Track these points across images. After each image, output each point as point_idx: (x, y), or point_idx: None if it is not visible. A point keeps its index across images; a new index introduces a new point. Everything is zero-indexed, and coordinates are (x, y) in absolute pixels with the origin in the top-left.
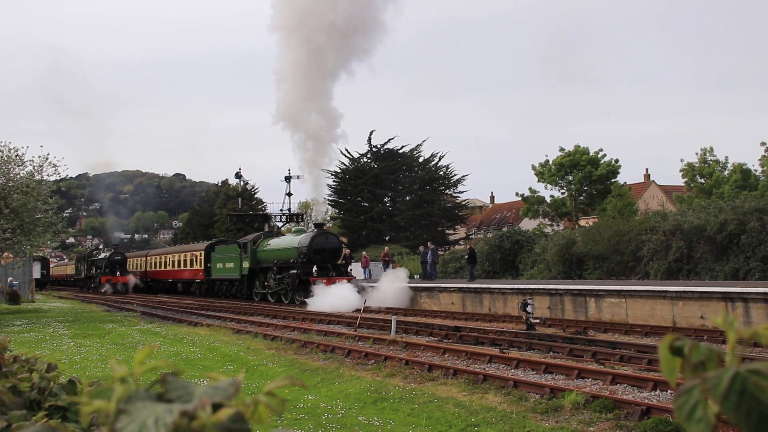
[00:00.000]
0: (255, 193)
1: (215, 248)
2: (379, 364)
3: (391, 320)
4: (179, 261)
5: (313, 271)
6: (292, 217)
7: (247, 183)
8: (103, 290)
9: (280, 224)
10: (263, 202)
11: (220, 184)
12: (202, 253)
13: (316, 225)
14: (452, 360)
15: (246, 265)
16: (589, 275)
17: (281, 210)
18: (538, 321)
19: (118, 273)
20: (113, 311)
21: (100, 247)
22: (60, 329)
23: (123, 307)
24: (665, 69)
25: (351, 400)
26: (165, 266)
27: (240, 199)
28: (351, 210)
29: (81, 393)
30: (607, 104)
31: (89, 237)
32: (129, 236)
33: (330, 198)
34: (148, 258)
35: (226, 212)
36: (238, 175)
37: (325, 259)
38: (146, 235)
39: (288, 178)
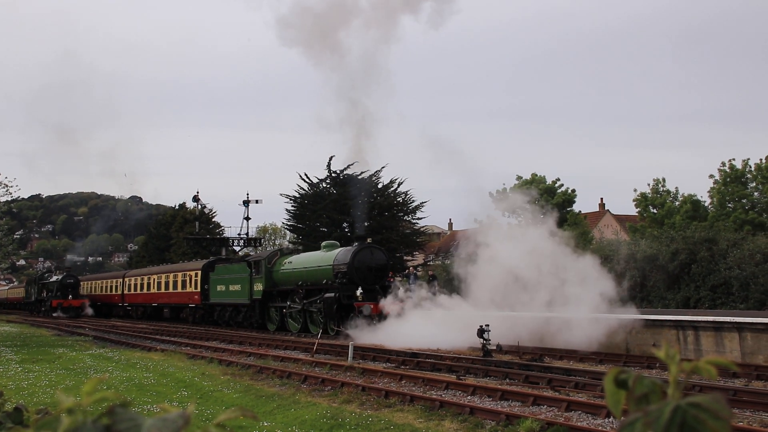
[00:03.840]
0: (213, 217)
1: (215, 267)
2: (336, 391)
3: (348, 346)
4: (167, 282)
5: (358, 294)
6: (250, 242)
7: (205, 206)
8: (54, 314)
9: (237, 248)
10: (221, 226)
11: (177, 208)
12: (199, 273)
13: (358, 238)
14: (409, 386)
15: (259, 287)
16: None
17: (239, 234)
18: (494, 348)
19: (70, 296)
20: (64, 335)
21: (52, 269)
22: (7, 354)
23: (74, 332)
24: (620, 103)
25: (307, 427)
26: (148, 288)
27: (197, 223)
28: (309, 235)
29: (28, 421)
30: (563, 135)
31: (41, 259)
32: (82, 259)
33: (288, 223)
34: (126, 279)
35: (183, 236)
36: (195, 199)
37: (370, 279)
38: (100, 258)
39: (246, 203)
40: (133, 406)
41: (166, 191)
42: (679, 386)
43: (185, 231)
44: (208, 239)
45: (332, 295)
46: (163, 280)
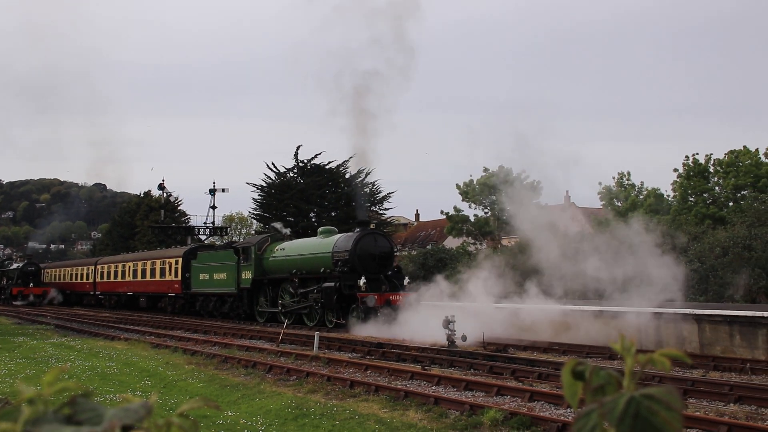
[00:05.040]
0: (178, 206)
1: (197, 254)
2: (301, 380)
3: (314, 336)
4: (143, 270)
5: (361, 283)
6: (216, 231)
7: (171, 195)
8: (15, 302)
9: (203, 237)
10: (186, 215)
11: (142, 195)
12: (179, 260)
13: (360, 223)
14: (374, 376)
15: (247, 275)
16: (511, 294)
17: (205, 223)
18: (460, 339)
19: (31, 284)
20: (25, 324)
21: (13, 257)
22: None
23: (35, 320)
24: (587, 97)
25: (271, 417)
26: (123, 276)
27: (162, 211)
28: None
29: None
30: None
31: (1, 246)
32: (44, 246)
33: (254, 212)
34: (99, 267)
35: (148, 224)
36: (161, 187)
37: (374, 267)
38: (62, 246)
39: (212, 191)
40: (95, 396)
41: (130, 179)
42: (635, 377)
43: (150, 219)
44: (174, 227)
45: (332, 284)
46: (139, 268)
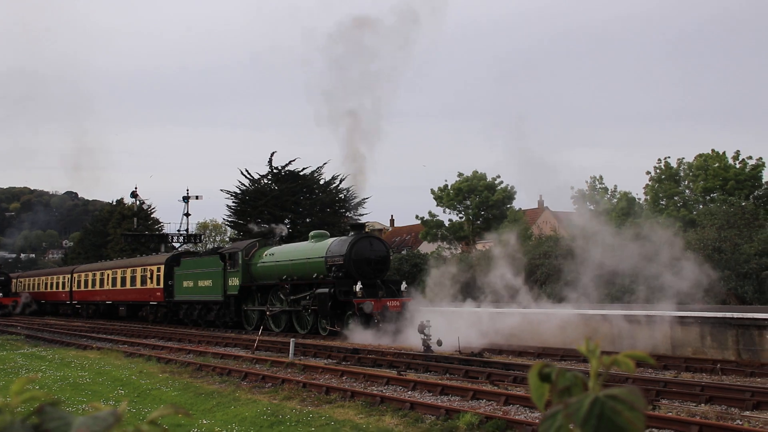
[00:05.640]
0: (151, 213)
1: (181, 261)
2: (276, 387)
3: (289, 342)
4: (123, 278)
5: (357, 289)
6: (190, 238)
7: (144, 202)
8: None
9: (177, 245)
10: (160, 222)
11: (114, 203)
12: (161, 267)
13: (355, 226)
14: (350, 382)
15: (235, 282)
16: (485, 298)
17: (179, 230)
18: (435, 343)
19: (0, 294)
20: None
21: None
22: None
23: (5, 330)
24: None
25: (247, 424)
26: (101, 285)
27: (136, 219)
28: (250, 231)
29: None
30: (505, 133)
31: None
32: (14, 255)
33: (229, 219)
34: (75, 275)
35: (121, 232)
36: (134, 194)
37: (370, 272)
38: (33, 255)
39: (186, 198)
40: (67, 406)
41: (103, 187)
42: (600, 379)
43: (123, 227)
44: (147, 235)
45: (326, 290)
46: (119, 276)
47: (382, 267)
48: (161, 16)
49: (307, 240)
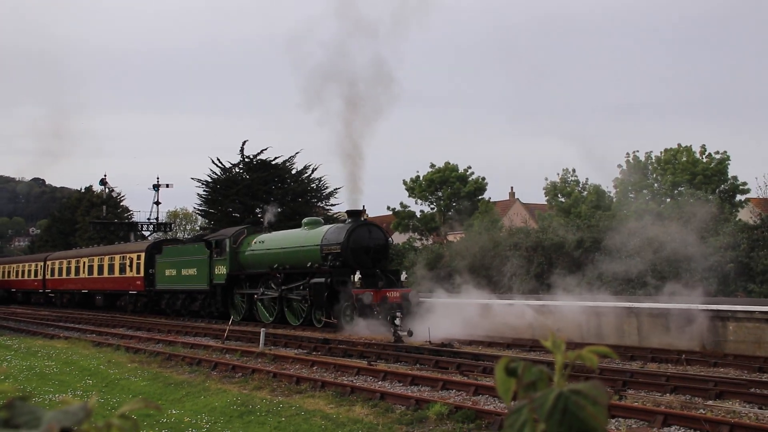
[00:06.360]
0: (121, 201)
1: (163, 249)
2: (247, 377)
3: (260, 332)
4: (101, 266)
5: (356, 279)
6: (159, 226)
7: (113, 190)
8: None
9: (147, 233)
10: (129, 210)
11: (83, 191)
12: (142, 255)
13: (352, 213)
14: (320, 372)
15: (221, 271)
16: (456, 289)
17: (148, 219)
18: (405, 333)
19: None
20: None
21: None
22: None
23: None
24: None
25: (217, 414)
26: (77, 273)
27: (105, 207)
28: (222, 220)
29: None
30: (474, 124)
31: None
32: None
33: (200, 208)
34: (49, 263)
35: (90, 220)
36: (103, 182)
37: (368, 261)
38: None
39: (156, 186)
40: (34, 396)
41: (71, 173)
42: (565, 374)
43: (92, 215)
44: (116, 224)
45: (322, 280)
46: (96, 264)
47: (381, 256)
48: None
49: (291, 228)
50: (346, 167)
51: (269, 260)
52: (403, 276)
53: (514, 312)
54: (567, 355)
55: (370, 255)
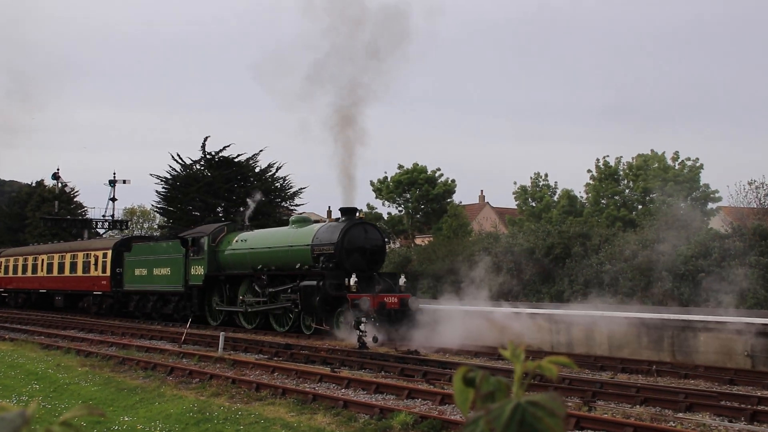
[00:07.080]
0: (75, 197)
1: (132, 246)
2: (204, 383)
3: (219, 336)
4: (61, 264)
5: (352, 282)
6: (115, 224)
7: (66, 185)
8: None
9: (102, 231)
10: (83, 207)
11: (34, 185)
12: (108, 253)
13: (346, 211)
14: (281, 379)
15: (198, 271)
16: (424, 294)
17: (104, 216)
18: (370, 340)
19: None
20: None
21: None
22: None
23: None
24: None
25: (172, 422)
26: (33, 271)
27: (57, 202)
28: (181, 219)
29: None
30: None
31: None
32: None
33: (158, 206)
34: (2, 260)
35: (40, 215)
36: (55, 176)
37: (363, 264)
38: None
39: (113, 182)
40: None
41: (21, 166)
42: (524, 384)
43: (43, 210)
44: (69, 220)
45: (313, 283)
46: (55, 262)
47: (378, 258)
48: None
49: (277, 226)
50: (337, 155)
51: (252, 260)
52: (402, 280)
53: (486, 318)
54: (526, 365)
55: (366, 257)
